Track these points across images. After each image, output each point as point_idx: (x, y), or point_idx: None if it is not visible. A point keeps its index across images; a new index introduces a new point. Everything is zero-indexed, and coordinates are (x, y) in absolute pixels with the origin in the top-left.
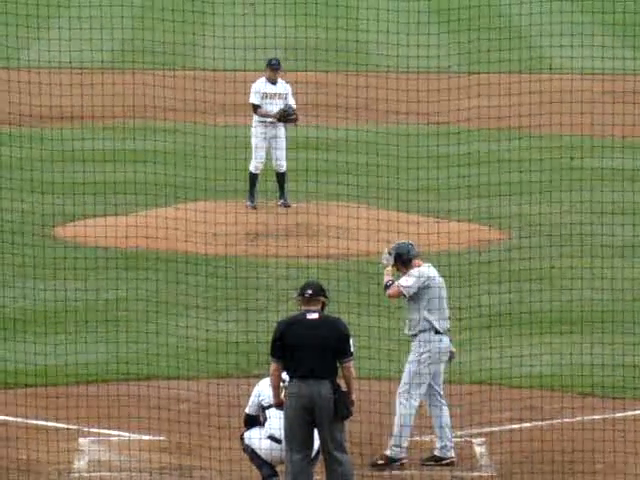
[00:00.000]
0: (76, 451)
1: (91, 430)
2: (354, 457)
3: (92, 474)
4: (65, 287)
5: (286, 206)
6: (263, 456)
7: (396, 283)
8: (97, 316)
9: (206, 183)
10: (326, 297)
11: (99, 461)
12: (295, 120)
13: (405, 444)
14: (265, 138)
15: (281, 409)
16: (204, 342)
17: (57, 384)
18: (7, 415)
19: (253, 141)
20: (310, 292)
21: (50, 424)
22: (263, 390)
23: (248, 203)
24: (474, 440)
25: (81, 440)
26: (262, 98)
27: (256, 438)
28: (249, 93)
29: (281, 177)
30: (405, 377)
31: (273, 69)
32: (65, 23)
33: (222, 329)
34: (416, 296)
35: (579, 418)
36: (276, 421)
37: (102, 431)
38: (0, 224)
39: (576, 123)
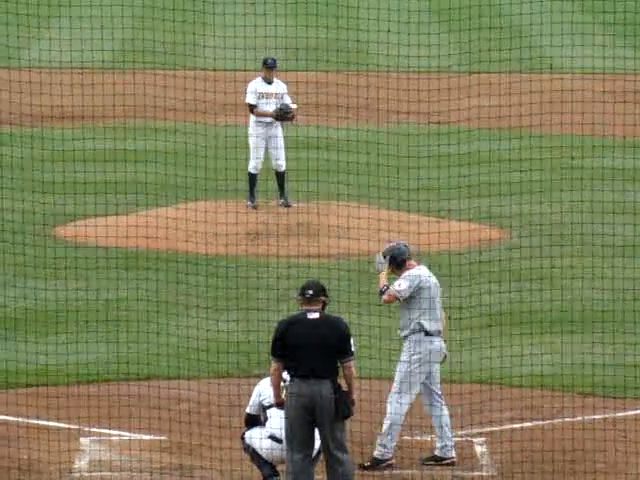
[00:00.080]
0: (77, 451)
1: (92, 430)
2: (355, 457)
3: (93, 474)
4: (66, 287)
5: (287, 206)
6: (264, 456)
7: (390, 288)
8: (98, 316)
9: (206, 183)
10: (327, 297)
11: (100, 461)
12: (292, 119)
13: (392, 445)
14: (263, 138)
15: (282, 409)
16: (205, 342)
17: (58, 384)
18: (8, 415)
19: (251, 141)
20: (311, 292)
21: (51, 424)
22: (264, 390)
23: (248, 203)
24: (475, 440)
25: (82, 440)
26: (258, 98)
27: (257, 438)
28: (245, 93)
29: (281, 177)
30: (396, 378)
31: (269, 68)
32: (66, 23)
33: (223, 329)
34: (408, 298)
35: (580, 418)
36: (277, 421)
37: (103, 431)
38: (1, 224)
39: (576, 123)
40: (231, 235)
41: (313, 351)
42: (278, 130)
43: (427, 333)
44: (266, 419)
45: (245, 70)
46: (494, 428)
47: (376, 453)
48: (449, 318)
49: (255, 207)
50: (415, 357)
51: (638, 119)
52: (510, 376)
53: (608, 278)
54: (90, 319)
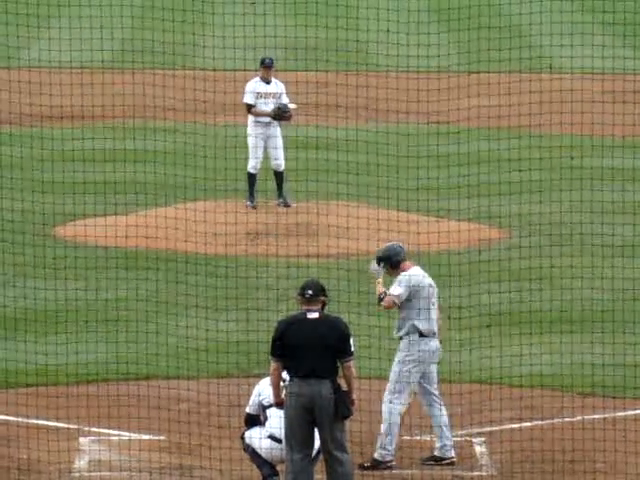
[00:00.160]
0: (76, 451)
1: (91, 430)
2: (354, 457)
3: (92, 474)
4: (65, 287)
5: (286, 205)
6: (263, 455)
7: (388, 294)
8: (97, 316)
9: (206, 183)
10: (326, 296)
11: (99, 461)
12: (289, 118)
13: (392, 446)
14: (262, 138)
15: (281, 408)
16: (204, 342)
17: (57, 384)
18: (7, 415)
19: (250, 141)
20: (310, 292)
21: (50, 424)
22: (263, 389)
23: (248, 203)
24: (474, 439)
25: (81, 440)
26: (256, 98)
27: (256, 437)
28: (243, 93)
29: (279, 176)
30: (391, 379)
31: (266, 68)
32: (65, 23)
33: (222, 329)
34: (403, 301)
35: (579, 417)
36: (276, 420)
37: (102, 431)
38: (1, 223)
39: (576, 123)
40: (230, 235)
41: (313, 351)
42: (277, 130)
43: (421, 334)
44: (266, 419)
45: (245, 70)
46: (494, 428)
47: (376, 455)
48: (449, 318)
49: (254, 207)
50: (409, 358)
51: (637, 119)
52: (510, 376)
53: (608, 278)
54: (90, 319)
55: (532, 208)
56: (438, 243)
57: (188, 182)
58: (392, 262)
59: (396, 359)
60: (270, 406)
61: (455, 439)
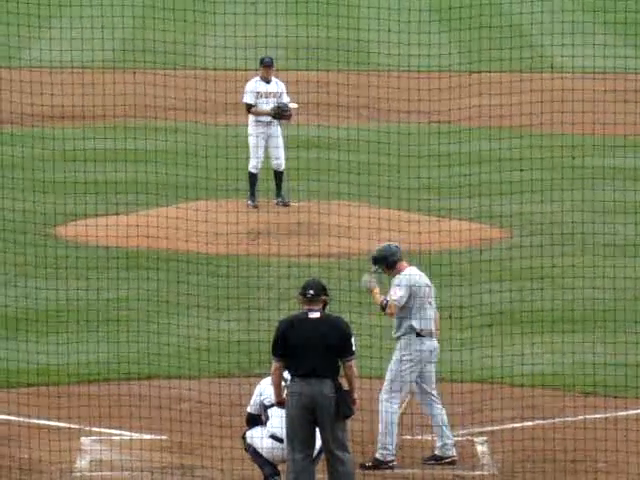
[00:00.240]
0: (78, 450)
1: (93, 429)
2: (356, 456)
3: (94, 473)
4: (66, 286)
5: (285, 205)
6: (265, 455)
7: (390, 300)
8: (98, 315)
9: (207, 182)
10: (327, 296)
11: (101, 460)
12: (289, 117)
13: (392, 446)
14: (263, 138)
15: (283, 408)
16: (205, 341)
17: (59, 383)
18: (9, 414)
19: (250, 141)
20: (312, 292)
21: (52, 423)
22: (265, 389)
23: (249, 202)
24: (476, 439)
25: (83, 439)
26: (256, 97)
27: (258, 437)
28: (242, 92)
29: (279, 176)
30: (387, 377)
31: (266, 67)
32: (66, 22)
33: (223, 328)
34: None
35: (581, 417)
36: (278, 420)
37: (104, 430)
38: (2, 223)
39: (577, 122)
40: (231, 234)
41: (314, 350)
42: (278, 129)
43: (419, 334)
44: (267, 418)
45: (245, 70)
46: (495, 427)
47: (378, 455)
48: (449, 317)
49: (256, 206)
50: (407, 357)
51: (639, 118)
52: (511, 375)
53: (609, 277)
54: (91, 319)
55: (533, 208)
56: (439, 243)
57: (189, 182)
58: (388, 262)
59: (393, 358)
60: (271, 406)
61: (456, 439)
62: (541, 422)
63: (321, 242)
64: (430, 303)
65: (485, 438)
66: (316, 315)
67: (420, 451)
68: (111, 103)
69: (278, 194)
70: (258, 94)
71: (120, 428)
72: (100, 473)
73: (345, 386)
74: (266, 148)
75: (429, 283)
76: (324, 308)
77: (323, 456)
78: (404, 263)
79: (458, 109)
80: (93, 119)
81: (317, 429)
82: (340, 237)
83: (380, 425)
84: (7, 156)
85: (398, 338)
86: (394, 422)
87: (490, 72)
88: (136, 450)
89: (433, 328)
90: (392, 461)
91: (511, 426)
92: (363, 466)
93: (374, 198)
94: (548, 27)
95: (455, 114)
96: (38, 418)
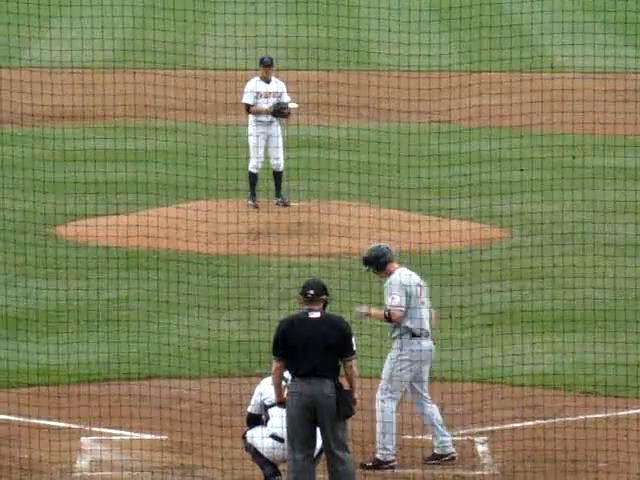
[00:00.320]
0: (78, 450)
1: (93, 429)
2: (356, 456)
3: (94, 473)
4: (66, 286)
5: (285, 204)
6: (265, 455)
7: (390, 309)
8: (98, 315)
9: (207, 182)
10: (328, 296)
11: (101, 460)
12: (288, 115)
13: (392, 445)
14: (263, 137)
15: (283, 408)
16: (206, 341)
17: (59, 383)
18: (9, 414)
19: (251, 141)
20: (312, 292)
21: (52, 423)
22: (265, 389)
23: (249, 202)
24: (476, 439)
25: (83, 439)
26: (256, 97)
27: (258, 437)
28: (242, 92)
29: (278, 176)
30: (383, 377)
31: (266, 67)
32: (66, 22)
33: (224, 328)
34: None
35: (581, 417)
36: (278, 420)
37: (104, 430)
38: (2, 223)
39: (577, 122)
40: (232, 234)
41: (314, 350)
42: (277, 129)
43: (414, 334)
44: (267, 418)
45: (246, 69)
46: (495, 427)
47: (378, 455)
48: (449, 317)
49: (256, 206)
50: (403, 357)
51: (639, 118)
52: (511, 375)
53: (609, 277)
54: (91, 319)
55: (533, 207)
56: (439, 243)
57: (189, 182)
58: (379, 264)
59: (389, 358)
60: (272, 405)
61: (457, 438)
62: (541, 422)
63: (321, 242)
64: (423, 303)
65: (485, 438)
66: (316, 315)
67: (420, 451)
68: (111, 103)
69: (278, 194)
70: (258, 94)
71: (120, 428)
72: (100, 473)
73: (345, 386)
74: (266, 148)
75: (420, 282)
76: (324, 308)
77: (323, 456)
78: (395, 264)
79: (458, 109)
80: (93, 119)
81: (317, 429)
82: (340, 237)
83: (378, 425)
84: (7, 156)
85: (394, 339)
86: (392, 422)
87: (490, 72)
88: (136, 450)
89: (428, 327)
90: (392, 461)
91: (511, 426)
92: (364, 466)
93: (374, 198)
94: (548, 27)
95: (455, 114)
96: (38, 418)
